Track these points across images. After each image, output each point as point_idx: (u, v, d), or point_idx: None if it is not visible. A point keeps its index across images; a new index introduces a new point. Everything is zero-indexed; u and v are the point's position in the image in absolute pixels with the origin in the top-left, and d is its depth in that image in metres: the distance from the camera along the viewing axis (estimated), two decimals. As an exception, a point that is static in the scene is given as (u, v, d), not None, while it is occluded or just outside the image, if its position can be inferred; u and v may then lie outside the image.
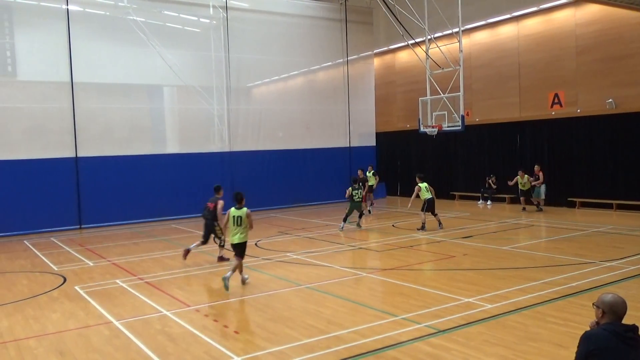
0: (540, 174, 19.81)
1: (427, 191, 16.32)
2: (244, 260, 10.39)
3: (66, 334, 7.74)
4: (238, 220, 10.18)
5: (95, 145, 20.00)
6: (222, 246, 12.59)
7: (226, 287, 9.82)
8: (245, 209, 10.25)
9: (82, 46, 19.60)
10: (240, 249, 10.24)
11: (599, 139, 19.64)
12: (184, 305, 9.01)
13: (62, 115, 19.43)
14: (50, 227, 18.84)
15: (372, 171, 22.08)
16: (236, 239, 10.20)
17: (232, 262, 10.58)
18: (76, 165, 19.58)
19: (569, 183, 20.58)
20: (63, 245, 15.90)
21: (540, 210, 19.64)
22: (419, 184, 16.42)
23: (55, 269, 12.50)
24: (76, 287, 10.53)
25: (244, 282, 10.40)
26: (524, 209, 20.15)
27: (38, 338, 7.63)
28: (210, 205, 12.70)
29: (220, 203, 12.44)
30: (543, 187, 19.83)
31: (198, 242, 12.87)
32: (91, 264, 12.92)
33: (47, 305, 9.38)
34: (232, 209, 10.32)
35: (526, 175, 20.11)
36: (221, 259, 12.68)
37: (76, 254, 14.35)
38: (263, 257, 13.05)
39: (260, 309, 8.69)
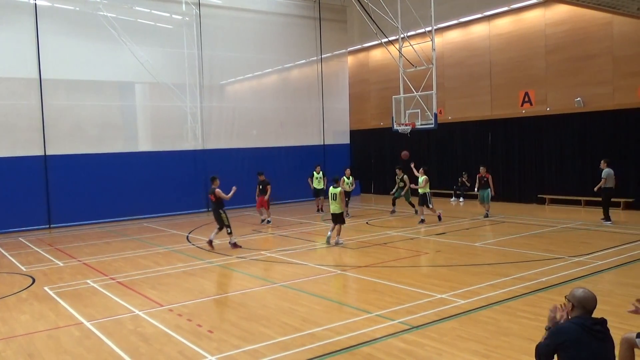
0: (488, 176, 17.81)
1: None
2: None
3: (35, 336, 7.59)
4: (334, 197, 13.85)
5: (65, 143, 19.61)
6: (229, 233, 13.78)
7: (328, 243, 13.67)
8: (339, 188, 13.89)
9: (51, 42, 19.19)
10: (335, 218, 13.83)
11: (567, 136, 20.06)
12: (156, 305, 8.91)
13: (30, 113, 19.00)
14: (19, 227, 18.42)
15: (321, 172, 20.86)
16: (332, 210, 13.91)
17: (335, 227, 13.91)
18: (45, 164, 19.19)
19: (539, 180, 20.98)
20: (32, 245, 15.56)
21: (487, 216, 17.68)
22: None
23: (24, 269, 12.23)
24: (45, 288, 10.32)
25: (337, 243, 13.68)
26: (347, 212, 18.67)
27: (6, 340, 7.45)
28: (211, 197, 13.80)
29: (218, 192, 13.65)
30: (488, 192, 17.74)
31: (216, 231, 13.96)
32: (61, 264, 12.68)
33: (15, 306, 9.18)
34: (331, 187, 14.01)
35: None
36: (235, 245, 13.71)
37: (45, 254, 14.07)
38: (237, 255, 12.98)
39: (234, 307, 8.65)
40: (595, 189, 16.03)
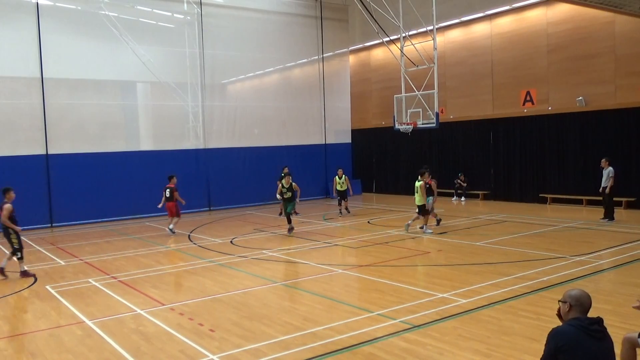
0: (431, 183, 15.91)
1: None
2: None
3: (37, 335, 7.60)
4: (416, 189, 15.12)
5: (67, 142, 19.64)
6: (20, 259, 11.32)
7: (406, 229, 15.14)
8: (421, 182, 15.06)
9: (53, 41, 19.20)
10: (419, 209, 15.12)
11: (569, 136, 20.03)
12: (158, 304, 8.92)
13: (32, 112, 19.03)
14: (21, 226, 18.21)
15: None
16: (416, 202, 15.21)
17: (414, 215, 15.50)
18: (47, 163, 19.21)
19: (541, 179, 20.96)
20: (34, 244, 15.58)
21: (439, 223, 16.19)
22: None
23: (26, 268, 12.23)
24: (47, 287, 10.34)
25: (424, 232, 14.90)
26: (346, 210, 19.66)
27: (8, 339, 7.47)
28: (1, 212, 11.29)
29: (6, 208, 11.35)
30: (431, 199, 15.76)
31: (8, 255, 11.55)
32: (63, 263, 12.70)
33: (17, 305, 9.19)
34: (416, 181, 15.20)
35: (344, 176, 19.55)
36: (24, 274, 11.25)
37: (47, 253, 14.09)
38: (239, 254, 12.99)
39: (235, 306, 8.65)
40: (608, 190, 15.75)
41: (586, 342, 3.87)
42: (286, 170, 19.39)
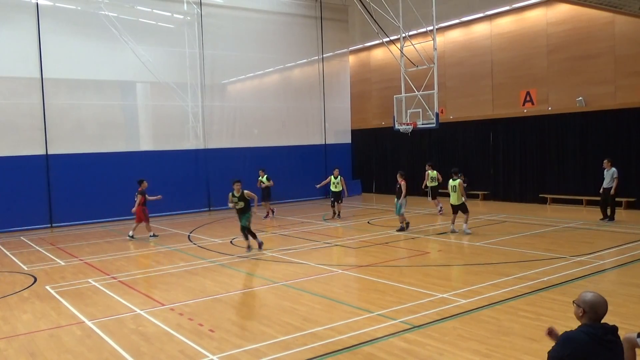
0: (402, 183, 15.31)
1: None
2: None
3: (37, 335, 7.60)
4: (454, 188, 14.85)
5: (67, 143, 19.63)
6: None
7: (452, 232, 14.71)
8: (459, 180, 14.85)
9: (52, 41, 19.19)
10: (455, 208, 14.86)
11: (569, 136, 20.04)
12: (158, 304, 8.92)
13: (32, 112, 19.03)
14: (20, 226, 18.44)
15: (265, 175, 19.60)
16: (452, 201, 14.91)
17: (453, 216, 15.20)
18: (47, 163, 19.20)
19: (540, 179, 20.96)
20: (33, 245, 15.58)
21: (403, 229, 15.46)
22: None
23: (25, 268, 12.25)
24: (47, 287, 10.33)
25: (465, 232, 14.50)
26: (338, 214, 18.72)
27: (8, 339, 7.46)
28: None
29: None
30: (404, 202, 15.39)
31: None
32: (63, 263, 12.70)
33: (17, 305, 9.19)
34: (450, 180, 14.96)
35: (340, 177, 18.82)
36: None
37: (47, 253, 14.08)
38: (238, 254, 12.99)
39: (235, 307, 8.66)
40: (613, 191, 15.76)
41: (597, 352, 3.75)
42: (260, 172, 19.55)
